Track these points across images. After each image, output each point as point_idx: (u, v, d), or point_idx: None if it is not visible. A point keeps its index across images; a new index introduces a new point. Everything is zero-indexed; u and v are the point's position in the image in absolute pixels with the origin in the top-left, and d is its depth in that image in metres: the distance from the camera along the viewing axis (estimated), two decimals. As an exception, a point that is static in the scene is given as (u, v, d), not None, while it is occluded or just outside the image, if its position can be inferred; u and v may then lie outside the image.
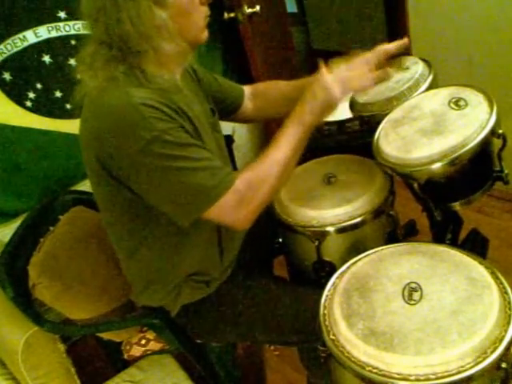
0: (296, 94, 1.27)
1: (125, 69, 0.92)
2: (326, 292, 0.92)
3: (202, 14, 0.97)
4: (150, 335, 1.30)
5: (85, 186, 1.52)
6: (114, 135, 0.87)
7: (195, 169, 0.89)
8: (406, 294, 0.82)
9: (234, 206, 0.92)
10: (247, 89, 1.32)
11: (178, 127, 0.90)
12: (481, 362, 0.71)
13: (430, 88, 1.14)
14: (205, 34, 1.00)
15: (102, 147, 0.90)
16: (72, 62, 1.56)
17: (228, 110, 1.27)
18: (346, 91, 1.00)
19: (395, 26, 2.18)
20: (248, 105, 1.30)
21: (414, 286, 0.83)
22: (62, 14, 1.53)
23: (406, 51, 1.24)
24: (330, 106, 0.99)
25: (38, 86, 1.52)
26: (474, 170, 1.02)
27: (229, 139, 1.95)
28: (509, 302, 0.78)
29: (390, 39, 1.20)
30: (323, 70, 1.01)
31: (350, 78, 1.01)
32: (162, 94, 0.92)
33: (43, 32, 1.50)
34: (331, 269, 1.11)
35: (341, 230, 1.09)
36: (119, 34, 0.89)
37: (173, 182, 0.89)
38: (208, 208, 0.91)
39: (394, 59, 1.23)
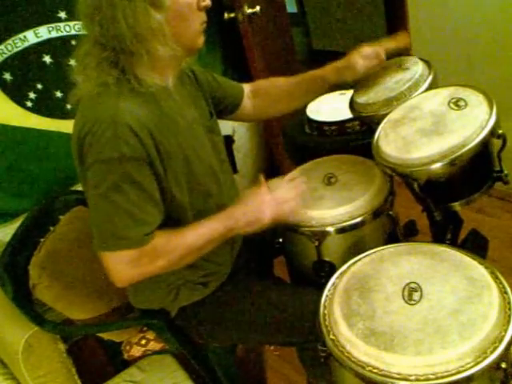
0: (297, 90, 1.27)
1: (117, 73, 0.92)
2: (325, 292, 0.92)
3: (199, 19, 0.97)
4: (150, 335, 1.30)
5: (85, 186, 1.52)
6: (88, 140, 0.88)
7: (126, 211, 0.90)
8: (406, 294, 0.83)
9: (127, 263, 0.92)
10: (247, 87, 1.31)
11: (143, 160, 0.90)
12: (480, 362, 0.71)
13: (429, 88, 1.14)
14: (201, 40, 0.99)
15: (80, 148, 0.91)
16: (72, 62, 1.56)
17: (228, 108, 1.27)
18: (277, 215, 1.01)
19: (395, 26, 2.18)
20: (248, 103, 1.30)
21: (413, 286, 0.83)
22: (62, 15, 1.53)
23: (406, 49, 1.25)
24: (256, 224, 1.00)
25: (39, 86, 1.52)
26: (474, 170, 1.02)
27: (229, 139, 1.95)
28: (509, 302, 0.78)
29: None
30: (261, 188, 1.02)
31: (283, 202, 1.02)
32: (151, 103, 0.93)
33: (44, 32, 1.50)
34: (331, 269, 1.11)
35: (341, 230, 1.09)
36: (114, 34, 0.89)
37: (101, 207, 0.90)
38: (107, 250, 0.91)
39: (392, 59, 1.24)
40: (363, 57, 1.17)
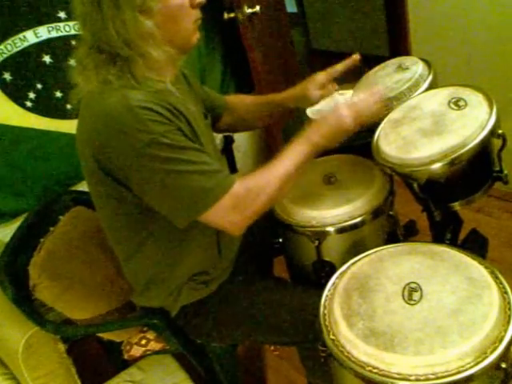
0: (259, 111, 1.33)
1: (116, 71, 0.91)
2: (325, 292, 0.92)
3: (192, 17, 0.96)
4: (150, 335, 1.30)
5: (85, 186, 1.51)
6: (111, 137, 0.87)
7: (193, 172, 0.89)
8: (406, 294, 0.83)
9: (230, 210, 0.92)
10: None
11: (175, 130, 0.90)
12: (480, 361, 0.71)
13: (429, 88, 1.14)
14: (195, 37, 0.99)
15: (100, 149, 0.90)
16: (72, 62, 1.56)
17: (212, 119, 1.28)
18: (360, 124, 1.02)
19: (395, 26, 2.18)
20: (225, 117, 1.33)
21: (413, 286, 0.83)
22: (62, 15, 1.53)
23: (406, 49, 1.28)
24: (342, 135, 1.02)
25: (38, 86, 1.52)
26: (474, 170, 1.02)
27: (228, 139, 1.95)
28: (509, 302, 0.78)
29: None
30: (343, 104, 1.03)
31: (365, 113, 1.03)
32: (156, 95, 0.92)
33: (43, 32, 1.50)
34: (331, 269, 1.11)
35: (341, 230, 1.09)
36: (105, 40, 0.89)
37: (170, 184, 0.89)
38: (205, 210, 0.91)
39: (392, 59, 1.24)
40: (317, 86, 1.21)
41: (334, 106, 1.03)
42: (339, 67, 1.22)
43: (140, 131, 0.85)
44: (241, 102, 1.35)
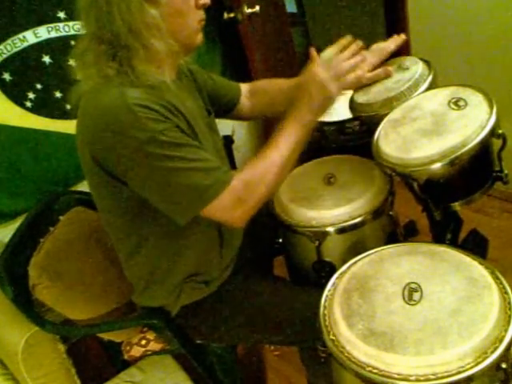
0: (293, 92, 1.27)
1: (116, 66, 0.91)
2: (325, 292, 0.92)
3: (197, 17, 0.97)
4: (150, 336, 1.30)
5: (85, 186, 1.51)
6: (109, 135, 0.87)
7: (191, 169, 0.89)
8: (406, 294, 0.82)
9: (230, 205, 0.92)
10: (245, 86, 1.31)
11: (173, 127, 0.90)
12: (481, 362, 0.70)
13: (429, 88, 1.14)
14: (199, 38, 0.99)
15: (98, 147, 0.90)
16: (72, 62, 1.56)
17: (225, 108, 1.27)
18: (342, 85, 1.00)
19: (395, 26, 2.18)
20: (245, 103, 1.30)
21: (414, 286, 0.83)
22: (61, 15, 1.53)
23: (404, 50, 1.24)
24: (327, 102, 0.99)
25: (38, 86, 1.52)
26: (474, 170, 1.02)
27: (228, 139, 1.95)
28: (509, 302, 0.78)
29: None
30: (316, 65, 1.00)
31: (343, 71, 1.00)
32: (153, 92, 0.92)
33: (43, 32, 1.50)
34: (331, 269, 1.11)
35: (341, 231, 1.09)
36: (109, 28, 0.89)
37: (169, 182, 0.89)
38: (204, 207, 0.91)
39: (392, 59, 1.24)
40: (369, 67, 1.14)
41: (308, 71, 0.99)
42: (388, 47, 1.15)
43: (137, 129, 0.85)
44: (271, 85, 1.31)
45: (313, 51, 1.02)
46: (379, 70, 1.15)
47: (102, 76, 0.91)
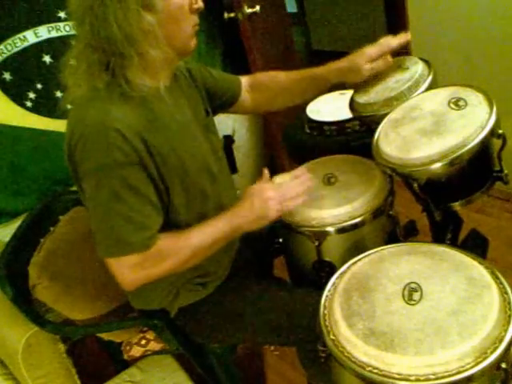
0: (297, 87, 1.27)
1: (107, 77, 0.91)
2: (325, 292, 0.92)
3: (191, 22, 0.96)
4: (150, 335, 1.30)
5: (85, 186, 1.52)
6: (79, 147, 0.88)
7: (127, 218, 0.89)
8: (406, 294, 0.83)
9: (131, 267, 0.93)
10: (246, 80, 1.30)
11: (138, 167, 0.90)
12: (481, 362, 0.71)
13: (429, 88, 1.14)
14: (193, 42, 0.99)
15: (71, 155, 0.91)
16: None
17: (226, 102, 1.26)
18: (281, 210, 1.01)
19: (395, 27, 2.17)
20: (246, 97, 1.29)
21: (414, 286, 0.83)
22: (61, 14, 1.53)
23: (406, 49, 1.24)
24: (262, 220, 1.00)
25: (38, 86, 1.52)
26: (474, 170, 1.02)
27: (229, 139, 1.95)
28: (509, 302, 0.78)
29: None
30: (268, 183, 1.03)
31: (288, 197, 1.01)
32: (143, 108, 0.92)
33: (43, 32, 1.50)
34: (331, 269, 1.11)
35: (341, 230, 1.09)
36: (104, 35, 0.87)
37: (102, 215, 0.90)
38: (115, 256, 0.92)
39: (392, 59, 1.23)
40: (368, 59, 1.14)
41: (258, 185, 1.02)
42: (393, 42, 1.15)
43: (101, 151, 0.86)
44: (272, 79, 1.30)
45: (266, 172, 1.06)
46: (379, 61, 1.15)
47: (91, 86, 0.91)
